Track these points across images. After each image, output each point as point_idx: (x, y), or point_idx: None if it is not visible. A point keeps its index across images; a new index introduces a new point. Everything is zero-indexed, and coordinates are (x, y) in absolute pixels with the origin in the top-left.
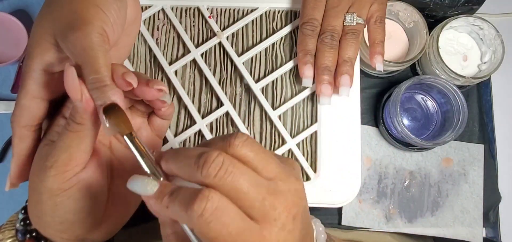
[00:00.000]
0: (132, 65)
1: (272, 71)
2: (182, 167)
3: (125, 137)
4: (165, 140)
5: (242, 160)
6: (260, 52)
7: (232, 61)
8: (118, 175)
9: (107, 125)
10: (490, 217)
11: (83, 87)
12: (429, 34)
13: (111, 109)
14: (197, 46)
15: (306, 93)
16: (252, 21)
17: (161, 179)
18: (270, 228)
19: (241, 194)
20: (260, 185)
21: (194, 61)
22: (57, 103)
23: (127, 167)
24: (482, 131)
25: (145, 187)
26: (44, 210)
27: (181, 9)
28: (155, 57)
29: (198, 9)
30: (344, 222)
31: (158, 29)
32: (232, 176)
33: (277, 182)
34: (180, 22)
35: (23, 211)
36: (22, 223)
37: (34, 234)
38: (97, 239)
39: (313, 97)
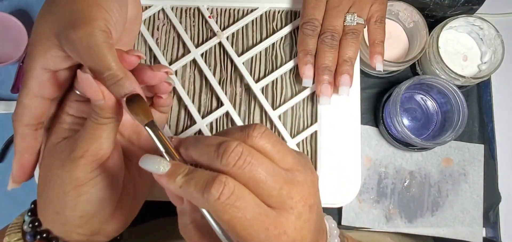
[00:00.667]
0: None
1: (272, 71)
2: (202, 155)
3: (146, 126)
4: None
5: (260, 151)
6: (260, 52)
7: (232, 61)
8: (127, 168)
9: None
10: (490, 217)
11: (102, 87)
12: (429, 34)
13: (132, 100)
14: (197, 46)
15: (306, 93)
16: (252, 21)
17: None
18: (287, 215)
19: (260, 183)
20: (278, 175)
21: (194, 61)
22: (60, 100)
23: (134, 161)
24: (482, 131)
25: (158, 165)
26: (65, 203)
27: (181, 9)
28: (155, 57)
29: (198, 9)
30: (344, 222)
31: (158, 29)
32: (251, 165)
33: (294, 173)
34: (180, 22)
35: (29, 214)
36: (30, 225)
37: (44, 235)
38: (109, 233)
39: (313, 97)
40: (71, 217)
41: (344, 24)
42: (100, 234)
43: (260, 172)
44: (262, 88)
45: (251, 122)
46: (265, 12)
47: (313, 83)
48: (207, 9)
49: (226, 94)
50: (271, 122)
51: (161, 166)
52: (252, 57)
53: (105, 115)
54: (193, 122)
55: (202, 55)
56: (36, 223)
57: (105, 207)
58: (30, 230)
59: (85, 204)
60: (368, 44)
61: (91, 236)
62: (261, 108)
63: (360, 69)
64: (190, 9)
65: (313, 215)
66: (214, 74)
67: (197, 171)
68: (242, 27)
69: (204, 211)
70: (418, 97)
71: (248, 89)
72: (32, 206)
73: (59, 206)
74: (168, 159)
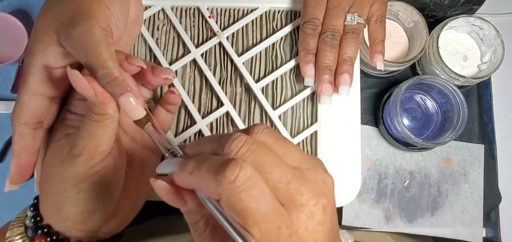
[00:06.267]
0: None
1: (272, 71)
2: (204, 148)
3: (146, 128)
4: None
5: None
6: (260, 52)
7: (232, 61)
8: (128, 166)
9: (131, 114)
10: (491, 217)
11: (94, 83)
12: (429, 34)
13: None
14: (197, 46)
15: (306, 93)
16: (252, 21)
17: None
18: (297, 213)
19: (264, 174)
20: (284, 168)
21: (194, 61)
22: (62, 100)
23: (137, 158)
24: (482, 131)
25: (173, 166)
26: (65, 200)
27: (181, 9)
28: (155, 57)
29: (198, 9)
30: (344, 222)
31: (158, 29)
32: (255, 154)
33: (302, 170)
34: (180, 22)
35: (32, 209)
36: (32, 220)
37: (45, 230)
38: (109, 229)
39: (313, 97)
40: (71, 213)
41: (345, 24)
42: (101, 231)
43: (265, 161)
44: (262, 88)
45: (252, 122)
46: (265, 12)
47: (314, 82)
48: (207, 9)
49: (226, 94)
50: (271, 122)
51: (176, 165)
52: (252, 57)
53: (99, 112)
54: (193, 122)
55: (202, 55)
56: (38, 218)
57: (105, 204)
58: (31, 224)
59: (85, 201)
60: (368, 43)
61: (91, 232)
62: (261, 108)
63: (360, 69)
64: (190, 9)
65: (327, 218)
66: (214, 74)
67: (210, 156)
68: (242, 27)
69: (209, 204)
70: (418, 97)
71: (248, 89)
72: (35, 201)
73: (59, 202)
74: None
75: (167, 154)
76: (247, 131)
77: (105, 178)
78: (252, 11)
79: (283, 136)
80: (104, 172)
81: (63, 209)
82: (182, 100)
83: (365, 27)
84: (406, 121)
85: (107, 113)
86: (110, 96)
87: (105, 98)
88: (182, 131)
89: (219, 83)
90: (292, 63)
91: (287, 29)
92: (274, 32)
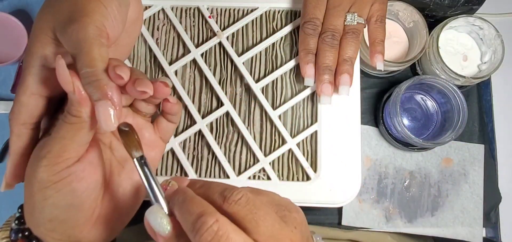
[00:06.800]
0: (132, 65)
1: (272, 71)
2: (182, 220)
3: (134, 160)
4: None
5: (234, 216)
6: (260, 52)
7: (232, 61)
8: (117, 175)
9: (103, 124)
10: (491, 217)
11: (75, 79)
12: (429, 34)
13: (124, 129)
14: (197, 46)
15: (306, 93)
16: (252, 21)
17: (165, 208)
18: None
19: None
20: None
21: (194, 61)
22: (59, 101)
23: (127, 168)
24: (482, 131)
25: (163, 227)
26: (34, 204)
27: (181, 9)
28: (155, 57)
29: (198, 9)
30: (344, 222)
31: (158, 29)
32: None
33: None
34: (180, 22)
35: (20, 210)
36: (16, 221)
37: (26, 233)
38: (92, 239)
39: (313, 97)
40: (40, 219)
41: (345, 24)
42: (82, 240)
43: None
44: (262, 88)
45: (252, 122)
46: (265, 12)
47: (314, 82)
48: (207, 9)
49: (226, 94)
50: (271, 122)
51: (163, 228)
52: (252, 57)
53: (74, 113)
54: (193, 122)
55: (202, 55)
56: (22, 220)
57: (76, 213)
58: (16, 226)
59: (51, 208)
60: (368, 43)
61: (69, 241)
62: (261, 108)
63: (360, 69)
64: (190, 9)
65: None
66: (214, 74)
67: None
68: (242, 27)
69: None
70: (418, 97)
71: (248, 89)
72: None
73: (30, 207)
74: (152, 195)
75: (151, 195)
76: (223, 197)
77: (71, 186)
78: (252, 11)
79: (257, 204)
80: (70, 180)
81: (34, 214)
82: (182, 100)
83: (365, 27)
84: (406, 121)
85: (81, 115)
86: (88, 99)
87: (82, 98)
88: (182, 131)
89: (219, 83)
90: (292, 63)
91: (287, 29)
92: (274, 32)
